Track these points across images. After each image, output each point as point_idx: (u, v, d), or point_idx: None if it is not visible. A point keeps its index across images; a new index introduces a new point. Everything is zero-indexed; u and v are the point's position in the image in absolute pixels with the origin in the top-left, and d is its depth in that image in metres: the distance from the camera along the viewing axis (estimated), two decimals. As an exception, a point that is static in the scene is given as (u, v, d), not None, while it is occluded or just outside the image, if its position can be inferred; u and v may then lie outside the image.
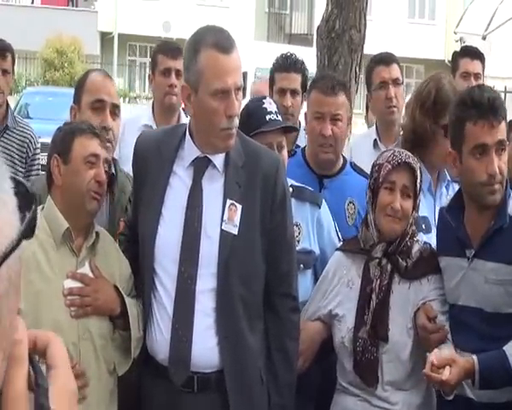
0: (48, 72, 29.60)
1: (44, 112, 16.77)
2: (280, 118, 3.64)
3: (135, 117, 5.19)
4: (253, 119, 3.58)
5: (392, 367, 3.34)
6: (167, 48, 4.98)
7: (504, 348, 3.08)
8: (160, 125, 4.83)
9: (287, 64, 5.04)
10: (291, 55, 5.10)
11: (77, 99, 3.72)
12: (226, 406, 3.10)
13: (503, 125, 3.17)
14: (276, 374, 3.22)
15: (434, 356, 3.04)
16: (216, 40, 3.04)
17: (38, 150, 4.91)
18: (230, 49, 3.04)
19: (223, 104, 3.03)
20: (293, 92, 4.77)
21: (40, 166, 4.84)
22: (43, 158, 4.83)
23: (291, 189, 3.64)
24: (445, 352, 3.16)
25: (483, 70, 5.81)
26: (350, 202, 3.97)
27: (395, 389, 3.34)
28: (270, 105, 3.63)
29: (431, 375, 3.01)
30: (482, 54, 5.86)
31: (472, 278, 3.21)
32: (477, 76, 5.70)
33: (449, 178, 4.05)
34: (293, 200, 3.61)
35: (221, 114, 3.04)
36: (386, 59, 5.04)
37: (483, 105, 3.13)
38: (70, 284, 3.11)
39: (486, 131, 3.13)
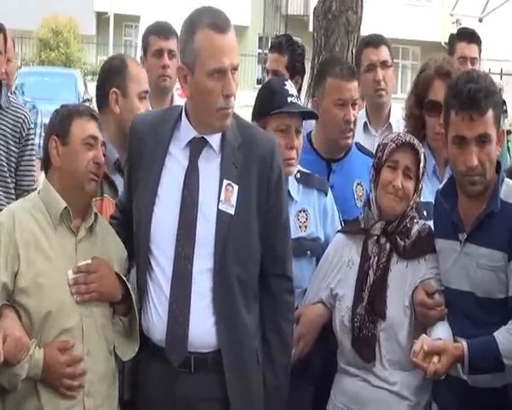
0: (43, 52, 29.49)
1: (40, 92, 16.73)
2: (300, 102, 3.64)
3: None
4: (275, 98, 3.58)
5: (390, 346, 3.36)
6: (159, 28, 4.95)
7: (495, 334, 3.07)
8: (152, 108, 4.82)
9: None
10: (283, 35, 5.16)
11: (119, 85, 3.78)
12: (223, 385, 3.11)
13: (485, 118, 3.09)
14: (272, 355, 3.22)
15: (424, 342, 3.05)
16: (212, 20, 3.03)
17: (32, 130, 4.87)
18: (226, 29, 3.04)
19: (219, 84, 3.03)
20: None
21: (33, 147, 4.80)
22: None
23: (298, 174, 3.66)
24: (438, 333, 3.18)
25: (479, 53, 5.78)
26: (358, 184, 4.00)
27: (395, 368, 3.37)
28: (291, 88, 3.64)
29: (418, 364, 3.04)
30: (479, 37, 5.83)
31: (464, 262, 3.21)
32: (473, 60, 5.68)
33: None
34: (300, 186, 3.66)
35: (218, 94, 3.04)
36: (374, 41, 4.98)
37: (463, 97, 3.09)
38: (73, 273, 3.12)
39: (466, 124, 3.09)
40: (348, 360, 3.46)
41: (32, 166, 4.70)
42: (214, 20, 3.03)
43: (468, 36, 5.82)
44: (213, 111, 3.07)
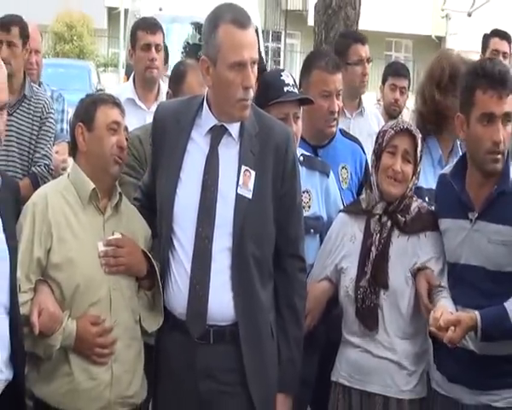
0: (58, 44, 29.49)
1: (56, 82, 16.70)
2: (296, 90, 3.66)
3: (119, 92, 5.17)
4: (271, 89, 3.61)
5: (392, 315, 3.42)
6: (146, 24, 5.11)
7: (505, 304, 3.12)
8: (141, 97, 5.00)
9: None
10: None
11: (174, 88, 4.04)
12: (239, 356, 3.15)
13: (510, 98, 3.17)
14: (285, 329, 3.26)
15: (440, 314, 3.09)
16: (234, 16, 3.07)
17: (52, 114, 4.83)
18: (247, 25, 3.08)
19: (239, 76, 3.07)
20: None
21: (52, 127, 4.77)
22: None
23: (302, 158, 3.68)
24: (448, 308, 3.19)
25: (510, 49, 6.32)
26: (343, 168, 4.06)
27: (396, 336, 3.42)
28: (287, 78, 3.66)
29: (437, 333, 3.08)
30: (510, 35, 6.41)
31: (475, 239, 3.24)
32: (505, 54, 6.18)
33: (460, 152, 4.09)
34: (303, 168, 3.66)
35: (237, 86, 3.07)
36: (362, 38, 5.36)
37: (494, 76, 3.16)
38: (103, 246, 3.18)
39: (495, 101, 3.15)
40: (352, 330, 3.50)
41: (44, 143, 4.63)
42: (236, 17, 3.07)
43: (500, 33, 6.44)
44: (234, 102, 3.10)
